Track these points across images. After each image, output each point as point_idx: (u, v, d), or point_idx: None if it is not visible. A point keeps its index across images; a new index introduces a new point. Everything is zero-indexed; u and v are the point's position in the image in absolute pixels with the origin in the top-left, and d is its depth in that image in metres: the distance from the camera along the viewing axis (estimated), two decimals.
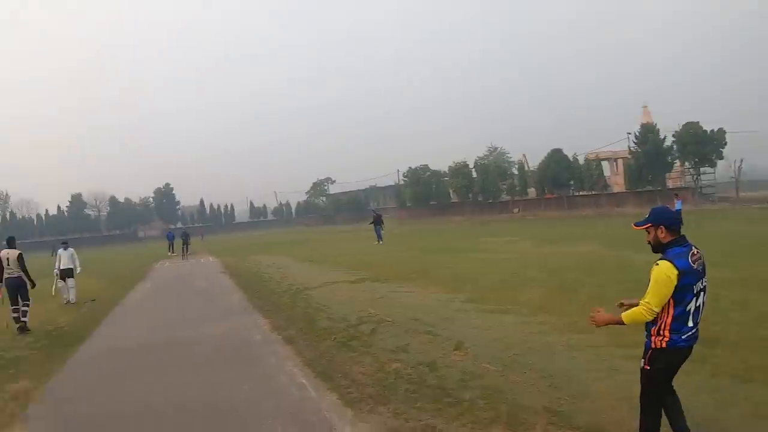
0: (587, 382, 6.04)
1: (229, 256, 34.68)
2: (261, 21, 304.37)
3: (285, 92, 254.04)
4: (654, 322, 3.99)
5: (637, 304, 4.11)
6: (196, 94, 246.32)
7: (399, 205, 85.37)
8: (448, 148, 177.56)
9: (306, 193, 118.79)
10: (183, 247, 38.96)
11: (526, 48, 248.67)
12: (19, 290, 12.77)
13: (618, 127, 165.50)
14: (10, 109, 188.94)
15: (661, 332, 3.96)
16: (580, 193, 60.67)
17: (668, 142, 51.24)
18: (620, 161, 64.04)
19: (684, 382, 5.15)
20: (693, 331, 3.96)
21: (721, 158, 51.58)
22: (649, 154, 50.85)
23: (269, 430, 5.63)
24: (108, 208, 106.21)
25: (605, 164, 64.68)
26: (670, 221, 4.10)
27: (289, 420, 5.83)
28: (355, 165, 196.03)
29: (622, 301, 4.49)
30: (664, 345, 3.95)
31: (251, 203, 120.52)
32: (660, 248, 4.09)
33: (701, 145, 49.30)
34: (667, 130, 52.02)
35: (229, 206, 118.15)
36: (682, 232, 4.17)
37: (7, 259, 12.76)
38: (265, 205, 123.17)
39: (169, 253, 42.02)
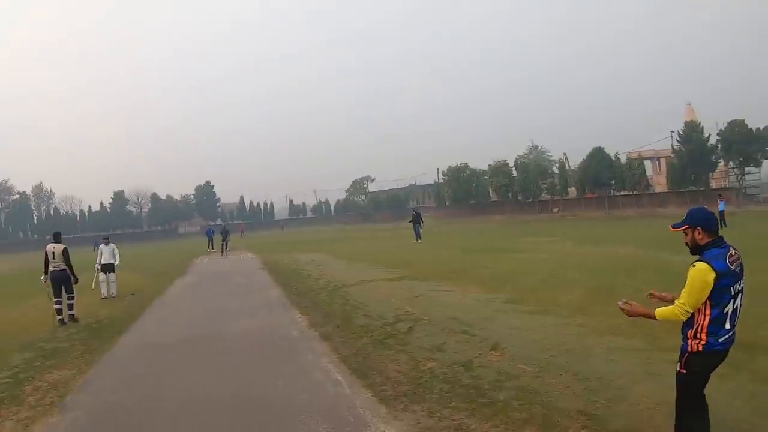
0: (624, 386, 5.96)
1: (268, 252, 34.91)
2: (296, 17, 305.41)
3: (324, 88, 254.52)
4: (690, 324, 3.95)
5: (668, 298, 4.16)
6: (238, 92, 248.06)
7: (438, 204, 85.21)
8: (488, 147, 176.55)
9: (345, 191, 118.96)
10: (222, 244, 39.35)
11: (568, 44, 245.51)
12: (63, 283, 13.15)
13: (661, 125, 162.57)
14: (55, 111, 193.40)
15: (698, 335, 3.90)
16: (622, 193, 59.92)
17: (712, 141, 50.27)
18: (663, 160, 63.14)
19: (720, 387, 5.11)
20: (730, 334, 3.91)
21: (767, 158, 50.44)
22: (693, 153, 49.97)
23: (303, 426, 5.67)
24: (149, 204, 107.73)
25: (647, 163, 63.81)
26: (708, 222, 4.02)
27: (324, 416, 5.88)
28: (395, 163, 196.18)
29: (653, 291, 4.50)
30: (700, 348, 3.90)
31: (290, 201, 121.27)
32: (697, 250, 4.03)
33: (746, 144, 48.31)
34: (712, 128, 51.14)
35: (268, 203, 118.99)
36: (725, 233, 4.11)
37: (53, 253, 13.18)
38: (304, 203, 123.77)
39: (209, 250, 42.54)
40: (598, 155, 59.61)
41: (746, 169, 50.92)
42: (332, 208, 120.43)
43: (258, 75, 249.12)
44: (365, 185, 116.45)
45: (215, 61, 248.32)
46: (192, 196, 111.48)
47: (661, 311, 4.05)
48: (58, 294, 13.05)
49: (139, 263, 31.52)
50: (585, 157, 61.62)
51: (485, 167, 76.11)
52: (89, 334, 11.57)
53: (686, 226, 4.08)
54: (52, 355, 9.71)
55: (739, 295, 3.92)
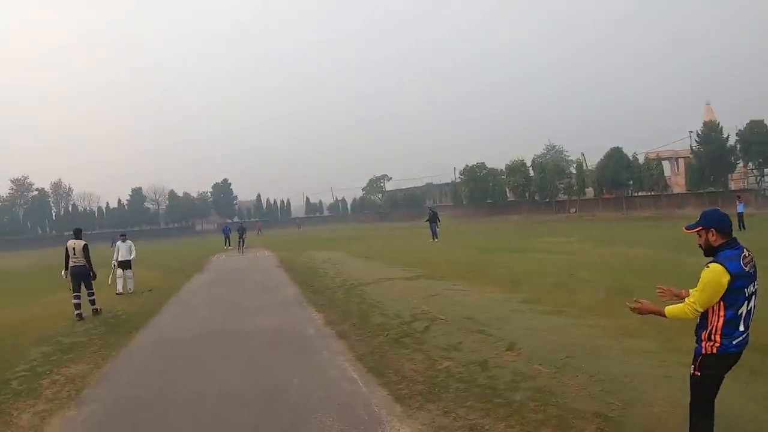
0: (640, 388, 5.93)
1: (285, 250, 34.98)
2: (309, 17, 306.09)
3: (342, 86, 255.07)
4: (704, 326, 3.95)
5: (677, 294, 4.22)
6: (255, 90, 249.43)
7: (455, 203, 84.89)
8: (506, 146, 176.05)
9: (362, 189, 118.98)
10: (239, 241, 39.47)
11: (584, 45, 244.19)
12: (82, 278, 13.42)
13: (680, 125, 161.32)
14: (74, 107, 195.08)
15: (713, 337, 3.90)
16: (639, 193, 59.37)
17: (731, 142, 49.75)
18: (681, 161, 62.59)
19: (737, 391, 5.08)
20: (744, 335, 3.90)
21: None
22: (712, 153, 49.42)
23: (319, 423, 5.69)
24: (167, 202, 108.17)
25: (666, 164, 63.28)
26: (721, 224, 4.01)
27: (339, 413, 5.91)
28: (412, 162, 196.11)
29: (661, 285, 4.54)
30: (714, 350, 3.90)
31: (307, 199, 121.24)
32: (711, 251, 4.03)
33: (766, 144, 47.58)
34: (731, 129, 50.62)
35: (285, 201, 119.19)
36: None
37: (74, 248, 13.43)
38: (320, 201, 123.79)
39: (226, 247, 42.74)
40: (615, 155, 59.10)
41: (765, 170, 50.34)
42: (349, 206, 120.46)
43: (276, 72, 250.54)
44: (382, 184, 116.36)
45: (233, 58, 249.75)
46: (209, 194, 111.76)
47: (671, 309, 4.06)
48: (77, 289, 13.25)
49: (157, 260, 31.80)
50: (603, 157, 61.12)
51: (502, 167, 75.85)
52: (106, 329, 11.67)
53: (700, 228, 4.08)
54: (70, 350, 9.80)
55: (753, 296, 3.91)
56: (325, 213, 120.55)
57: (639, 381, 6.15)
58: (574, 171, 68.40)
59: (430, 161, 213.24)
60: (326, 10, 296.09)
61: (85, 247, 13.55)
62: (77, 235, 14.00)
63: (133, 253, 18.25)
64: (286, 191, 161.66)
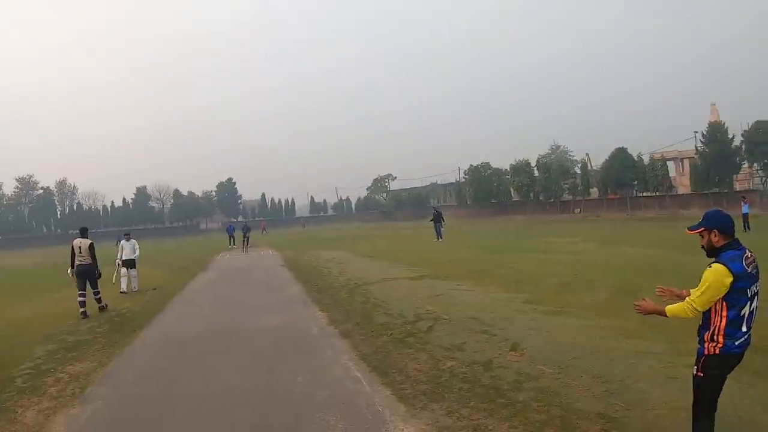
0: (644, 389, 5.92)
1: (289, 249, 35.07)
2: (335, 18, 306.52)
3: (343, 86, 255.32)
4: (707, 327, 3.97)
5: (677, 294, 4.27)
6: (259, 91, 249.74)
7: (459, 203, 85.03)
8: (510, 146, 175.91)
9: (366, 189, 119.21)
10: (243, 240, 39.50)
11: (588, 45, 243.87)
12: (88, 277, 13.50)
13: (685, 125, 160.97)
14: (78, 107, 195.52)
15: (715, 338, 3.92)
16: (644, 193, 59.18)
17: (737, 142, 49.55)
18: (686, 161, 62.36)
19: (736, 391, 5.09)
20: (746, 336, 3.92)
21: None
22: (717, 154, 49.13)
23: (323, 422, 5.70)
24: (171, 201, 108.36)
25: (671, 164, 63.06)
26: (724, 225, 4.04)
27: (343, 412, 5.91)
28: (417, 162, 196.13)
29: (660, 285, 4.58)
30: (717, 351, 3.92)
31: (312, 198, 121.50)
32: (713, 252, 4.05)
33: None
34: (736, 129, 50.41)
35: (289, 200, 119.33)
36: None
37: (80, 247, 13.51)
38: (325, 200, 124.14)
39: (230, 246, 42.80)
40: (620, 155, 58.88)
41: None
42: (353, 206, 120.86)
43: (280, 72, 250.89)
44: (386, 183, 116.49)
45: (239, 58, 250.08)
46: (214, 193, 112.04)
47: (671, 308, 4.09)
48: (82, 287, 13.33)
49: (161, 259, 31.88)
50: (607, 158, 60.96)
51: (507, 166, 75.74)
52: (111, 328, 11.69)
53: (702, 229, 4.11)
54: (74, 348, 9.83)
55: (755, 297, 3.94)
56: (330, 212, 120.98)
57: (643, 382, 6.15)
58: (578, 171, 68.32)
59: (434, 161, 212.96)
60: (326, 9, 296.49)
61: (91, 246, 13.65)
62: (83, 234, 14.07)
63: (137, 251, 18.29)
64: (290, 191, 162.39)
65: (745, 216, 27.84)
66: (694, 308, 3.91)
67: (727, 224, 4.04)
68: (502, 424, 5.32)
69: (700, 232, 4.13)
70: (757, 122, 48.29)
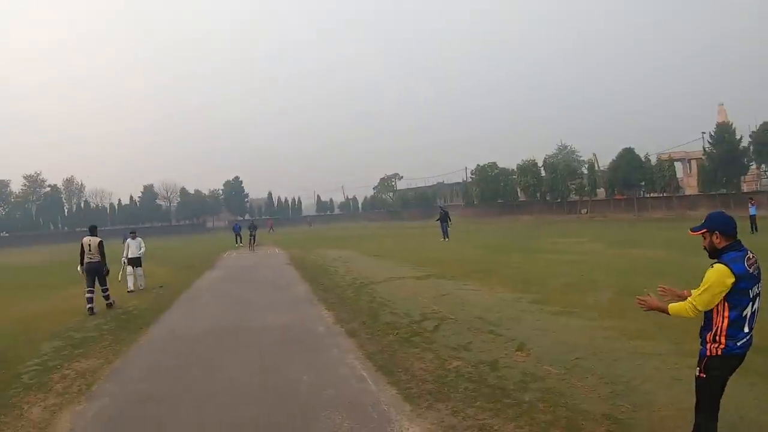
0: (650, 391, 5.91)
1: (295, 248, 35.07)
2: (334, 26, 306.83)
3: (349, 85, 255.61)
4: (709, 327, 3.99)
5: (679, 294, 4.27)
6: (266, 91, 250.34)
7: (466, 203, 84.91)
8: (518, 146, 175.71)
9: (373, 188, 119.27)
10: (250, 239, 39.51)
11: (595, 46, 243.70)
12: (97, 274, 13.64)
13: (692, 126, 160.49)
14: (88, 103, 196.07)
15: (717, 338, 3.94)
16: (651, 194, 59.02)
17: (745, 143, 49.26)
18: (694, 162, 62.17)
19: (738, 392, 5.08)
20: (748, 337, 3.95)
21: None
22: (724, 155, 48.85)
23: (328, 420, 5.70)
24: (178, 199, 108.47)
25: (678, 165, 62.87)
26: (726, 227, 4.06)
27: (348, 411, 5.91)
28: (424, 161, 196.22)
29: (662, 285, 4.56)
30: (719, 352, 3.93)
31: (318, 197, 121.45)
32: (715, 254, 4.07)
33: None
34: (745, 130, 50.14)
35: (296, 199, 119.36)
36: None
37: (89, 245, 13.66)
38: (331, 199, 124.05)
39: (236, 244, 42.87)
40: (627, 156, 58.65)
41: None
42: (360, 205, 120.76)
43: (287, 72, 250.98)
44: (393, 183, 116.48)
45: (244, 57, 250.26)
46: (220, 192, 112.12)
47: (673, 306, 4.11)
48: (91, 284, 13.45)
49: (168, 257, 31.95)
50: (615, 158, 60.74)
51: (514, 166, 75.54)
52: (117, 325, 11.74)
53: (704, 230, 4.13)
54: (81, 345, 9.87)
55: (757, 298, 3.96)
56: (336, 211, 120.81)
57: (649, 383, 6.14)
58: (585, 171, 67.95)
59: (441, 161, 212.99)
60: (326, 9, 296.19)
61: (101, 244, 13.81)
62: (92, 232, 14.23)
63: (143, 249, 18.35)
64: (297, 189, 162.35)
65: (753, 217, 27.73)
66: (696, 308, 3.94)
67: (729, 226, 4.05)
68: (507, 424, 5.32)
69: (702, 233, 4.15)
70: (765, 123, 47.93)
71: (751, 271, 3.88)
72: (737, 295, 3.84)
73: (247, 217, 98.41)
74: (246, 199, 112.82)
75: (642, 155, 58.84)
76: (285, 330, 10.46)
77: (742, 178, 51.67)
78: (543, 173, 69.64)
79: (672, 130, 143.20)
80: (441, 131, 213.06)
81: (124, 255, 18.06)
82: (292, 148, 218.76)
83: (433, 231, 39.91)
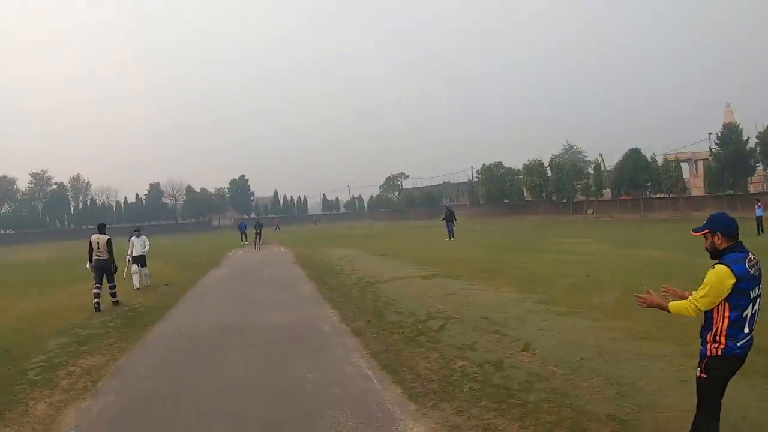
0: (655, 392, 5.90)
1: (301, 247, 35.13)
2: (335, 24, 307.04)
3: (358, 88, 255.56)
4: (709, 328, 4.01)
5: (681, 295, 4.25)
6: (272, 91, 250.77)
7: (472, 202, 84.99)
8: (524, 146, 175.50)
9: (379, 187, 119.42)
10: (255, 237, 39.50)
11: (602, 46, 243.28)
12: (106, 272, 13.80)
13: (699, 127, 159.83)
14: (91, 101, 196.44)
15: (717, 338, 3.96)
16: (657, 195, 58.84)
17: (752, 144, 49.00)
18: (700, 163, 61.99)
19: (741, 392, 5.07)
20: (748, 338, 3.96)
21: None
22: (731, 156, 48.64)
23: (333, 419, 5.70)
24: (184, 197, 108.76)
25: (684, 166, 62.63)
26: (727, 228, 4.07)
27: (353, 410, 5.91)
28: (429, 160, 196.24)
29: (665, 285, 4.56)
30: (719, 352, 3.96)
31: (324, 196, 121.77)
32: (717, 254, 4.09)
33: None
34: (752, 131, 49.89)
35: (302, 198, 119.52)
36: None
37: (98, 243, 13.81)
38: (337, 198, 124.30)
39: (242, 243, 42.88)
40: (634, 156, 58.47)
41: None
42: (365, 204, 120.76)
43: (292, 71, 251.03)
44: (399, 182, 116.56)
45: (249, 56, 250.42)
46: (226, 190, 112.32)
47: (674, 305, 4.13)
48: (99, 281, 13.61)
49: (173, 255, 31.99)
50: (621, 158, 60.56)
51: (520, 166, 75.43)
52: (123, 322, 11.77)
53: (706, 231, 4.15)
54: (87, 342, 9.92)
55: (758, 299, 3.98)
56: (342, 210, 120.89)
57: (654, 385, 6.12)
58: (591, 172, 67.84)
59: (447, 160, 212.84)
60: (327, 10, 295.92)
61: (109, 242, 13.94)
62: (101, 229, 14.35)
63: (147, 247, 18.43)
64: (302, 188, 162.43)
65: (759, 219, 27.60)
66: (697, 307, 3.96)
67: (731, 227, 4.07)
68: (512, 424, 5.31)
69: (704, 234, 4.17)
70: None
71: (752, 272, 3.90)
72: (738, 296, 3.87)
73: (252, 215, 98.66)
74: (252, 198, 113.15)
75: (648, 156, 58.74)
76: (290, 328, 10.47)
77: (749, 179, 51.50)
78: (549, 173, 69.54)
79: (679, 131, 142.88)
80: (447, 131, 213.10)
81: (129, 253, 18.10)
82: (298, 148, 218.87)
83: (438, 230, 39.92)
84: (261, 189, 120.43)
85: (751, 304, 3.91)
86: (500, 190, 75.96)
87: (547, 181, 69.02)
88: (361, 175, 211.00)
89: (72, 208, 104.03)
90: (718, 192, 51.17)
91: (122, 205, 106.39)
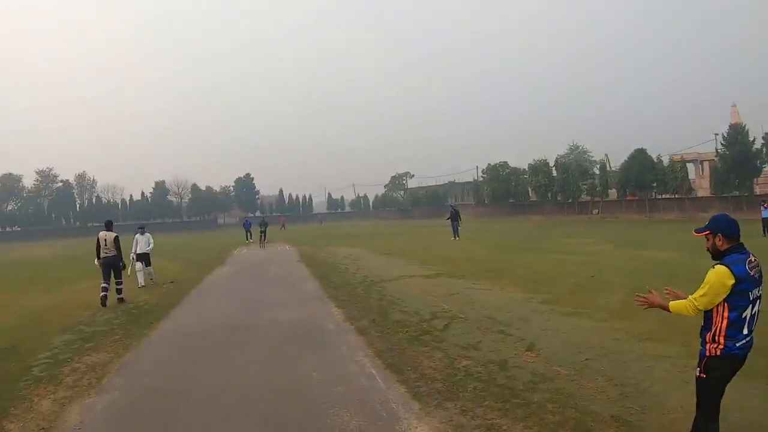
0: (659, 393, 5.89)
1: (306, 245, 35.14)
2: (341, 18, 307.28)
3: (363, 87, 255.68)
4: (709, 328, 4.04)
5: (682, 296, 4.24)
6: (280, 90, 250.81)
7: (477, 202, 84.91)
8: (529, 146, 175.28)
9: (384, 186, 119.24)
10: (260, 235, 39.51)
11: (607, 46, 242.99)
12: (112, 268, 13.97)
13: (705, 127, 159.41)
14: (99, 99, 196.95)
15: (716, 339, 3.99)
16: (663, 196, 58.68)
17: (758, 145, 48.82)
18: (706, 164, 61.81)
19: (741, 393, 5.06)
20: (747, 339, 3.99)
21: None
22: (737, 157, 48.46)
23: (337, 418, 5.71)
24: (189, 195, 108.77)
25: (690, 166, 62.41)
26: (729, 229, 4.10)
27: (357, 409, 5.92)
28: (434, 160, 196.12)
29: (668, 288, 4.56)
30: (718, 353, 3.98)
31: (329, 195, 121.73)
32: (718, 255, 4.11)
33: None
34: (758, 131, 49.67)
35: (307, 197, 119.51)
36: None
37: (105, 240, 13.99)
38: (342, 197, 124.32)
39: (247, 241, 42.89)
40: (640, 157, 58.30)
41: None
42: (370, 203, 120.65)
43: (297, 71, 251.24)
44: (404, 181, 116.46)
45: (255, 56, 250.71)
46: (232, 188, 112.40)
47: (674, 304, 4.17)
48: (107, 277, 13.78)
49: (179, 253, 31.99)
50: (627, 159, 60.39)
51: (525, 166, 75.37)
52: (128, 320, 11.80)
53: (708, 232, 4.18)
54: (91, 339, 9.95)
55: (758, 301, 4.00)
56: (347, 209, 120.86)
57: (659, 386, 6.11)
58: (597, 172, 67.68)
59: (452, 160, 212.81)
60: (333, 9, 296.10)
61: (116, 239, 14.10)
62: (108, 227, 14.50)
63: (151, 244, 18.48)
64: (308, 187, 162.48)
65: (765, 220, 27.47)
66: (695, 306, 4.00)
67: (732, 229, 4.09)
68: (516, 424, 5.30)
69: (706, 234, 4.19)
70: None
71: (752, 273, 3.92)
72: (737, 297, 3.89)
73: (258, 213, 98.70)
74: (257, 196, 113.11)
75: (654, 156, 58.59)
76: (295, 327, 10.48)
77: (755, 180, 51.31)
78: (554, 173, 69.40)
79: (685, 131, 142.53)
80: (452, 130, 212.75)
81: (133, 251, 18.15)
82: (303, 147, 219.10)
83: (443, 230, 39.89)
84: (266, 188, 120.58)
85: (750, 306, 3.93)
86: (505, 190, 75.79)
87: (553, 181, 68.90)
88: (366, 175, 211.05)
89: (78, 206, 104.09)
90: (724, 193, 51.01)
91: (128, 202, 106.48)
